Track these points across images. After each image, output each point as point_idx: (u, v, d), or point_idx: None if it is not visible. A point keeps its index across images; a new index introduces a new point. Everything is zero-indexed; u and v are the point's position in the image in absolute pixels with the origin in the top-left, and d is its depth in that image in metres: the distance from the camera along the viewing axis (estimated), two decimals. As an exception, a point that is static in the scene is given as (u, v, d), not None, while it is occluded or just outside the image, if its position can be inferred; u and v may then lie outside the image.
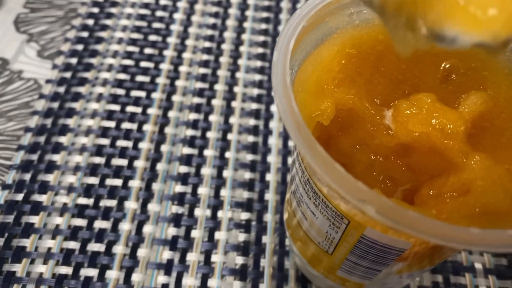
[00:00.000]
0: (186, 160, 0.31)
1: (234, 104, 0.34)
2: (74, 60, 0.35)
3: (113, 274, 0.27)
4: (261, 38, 0.38)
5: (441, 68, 0.20)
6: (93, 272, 0.27)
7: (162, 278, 0.27)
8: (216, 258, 0.28)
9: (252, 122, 0.34)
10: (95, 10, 0.39)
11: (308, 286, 0.27)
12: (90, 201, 0.29)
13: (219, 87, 0.35)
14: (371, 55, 0.20)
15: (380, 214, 0.14)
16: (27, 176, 0.30)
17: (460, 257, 0.29)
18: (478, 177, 0.17)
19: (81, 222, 0.28)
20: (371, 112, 0.19)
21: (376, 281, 0.22)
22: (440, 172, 0.19)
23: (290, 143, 0.33)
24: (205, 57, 0.37)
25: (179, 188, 0.30)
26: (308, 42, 0.20)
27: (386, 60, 0.20)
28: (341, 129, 0.20)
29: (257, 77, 0.36)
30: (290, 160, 0.32)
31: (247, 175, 0.31)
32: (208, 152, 0.32)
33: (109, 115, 0.33)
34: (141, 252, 0.28)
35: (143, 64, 0.36)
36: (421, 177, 0.20)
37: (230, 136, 0.33)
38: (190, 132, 0.33)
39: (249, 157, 0.32)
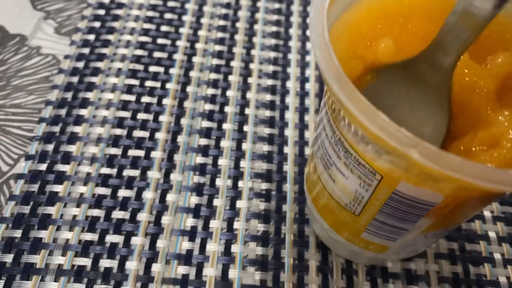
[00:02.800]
0: (205, 133, 0.32)
1: (250, 80, 0.35)
2: (91, 37, 0.36)
3: (138, 241, 0.27)
4: (275, 17, 0.39)
5: None
6: (118, 239, 0.27)
7: (186, 244, 0.27)
8: (238, 225, 0.28)
9: (268, 97, 0.34)
10: (110, -11, 0.39)
11: (328, 252, 0.28)
12: (113, 171, 0.30)
13: (235, 63, 0.36)
14: (398, 16, 0.21)
15: (424, 157, 0.15)
16: (50, 147, 0.30)
17: (474, 226, 0.30)
18: (506, 130, 0.18)
19: (105, 191, 0.29)
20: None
21: (401, 242, 0.23)
22: (470, 128, 0.19)
23: (307, 118, 0.33)
24: (220, 35, 0.37)
25: (200, 159, 0.31)
26: (337, 6, 0.20)
27: (413, 22, 0.21)
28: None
29: (272, 54, 0.36)
30: (311, 132, 0.32)
31: (265, 148, 0.32)
32: (227, 126, 0.32)
33: (129, 89, 0.33)
34: (165, 220, 0.28)
35: (160, 41, 0.36)
36: (452, 133, 0.20)
37: (247, 111, 0.33)
38: (208, 107, 0.33)
39: (266, 130, 0.32)
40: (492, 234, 0.30)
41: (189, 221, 0.28)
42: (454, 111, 0.19)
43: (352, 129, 0.19)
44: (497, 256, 0.29)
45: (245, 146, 0.32)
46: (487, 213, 0.30)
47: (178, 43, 0.36)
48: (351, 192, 0.21)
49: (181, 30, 0.37)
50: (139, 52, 0.35)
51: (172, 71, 0.35)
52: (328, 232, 0.26)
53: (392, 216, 0.20)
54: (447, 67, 0.18)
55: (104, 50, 0.35)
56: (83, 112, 0.32)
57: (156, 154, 0.31)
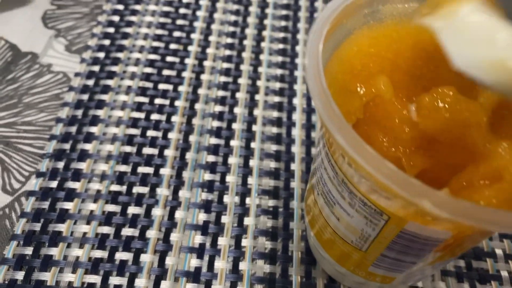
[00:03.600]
0: (213, 149, 0.32)
1: (257, 97, 0.35)
2: (101, 55, 0.36)
3: (147, 258, 0.28)
4: (281, 35, 0.39)
5: None
6: (128, 256, 0.28)
7: (194, 261, 0.28)
8: (246, 242, 0.29)
9: (275, 114, 0.35)
10: (120, 7, 0.40)
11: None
12: (123, 188, 0.30)
13: (243, 80, 0.36)
14: (388, 53, 0.21)
15: (437, 207, 0.15)
16: (60, 165, 0.31)
17: (481, 243, 0.30)
18: (509, 164, 0.18)
19: (114, 208, 0.29)
20: (397, 106, 0.20)
21: (408, 273, 0.23)
22: (467, 164, 0.19)
23: (313, 134, 0.34)
24: (228, 52, 0.38)
25: (208, 176, 0.31)
26: (330, 45, 0.21)
27: (402, 57, 0.21)
28: (369, 125, 0.21)
29: (279, 71, 0.37)
30: (311, 163, 0.33)
31: (272, 164, 0.32)
32: (234, 143, 0.33)
33: (138, 107, 0.34)
34: (174, 237, 0.29)
35: (169, 59, 0.37)
36: (445, 168, 0.21)
37: (254, 128, 0.34)
38: (216, 124, 0.34)
39: (273, 147, 0.33)
40: (499, 252, 0.30)
41: (198, 238, 0.29)
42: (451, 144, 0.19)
43: (357, 176, 0.19)
44: (504, 273, 0.29)
45: (252, 162, 0.32)
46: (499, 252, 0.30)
47: (186, 60, 0.37)
48: (357, 230, 0.21)
49: (190, 48, 0.38)
50: (149, 70, 0.36)
51: (180, 88, 0.35)
52: (333, 265, 0.26)
53: (400, 252, 0.21)
54: None
55: (114, 68, 0.36)
56: (93, 129, 0.32)
57: (165, 171, 0.31)
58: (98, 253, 0.28)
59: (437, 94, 0.19)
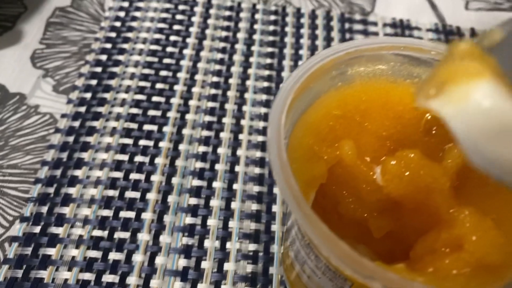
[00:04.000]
0: (195, 192, 0.33)
1: (241, 136, 0.36)
2: (88, 95, 0.37)
3: (127, 305, 0.28)
4: (266, 72, 0.40)
5: (422, 121, 0.21)
6: (107, 303, 0.28)
7: (173, 309, 0.28)
8: (225, 288, 0.29)
9: (258, 154, 0.35)
10: (108, 45, 0.40)
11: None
12: (105, 233, 0.31)
13: (227, 120, 0.37)
14: (355, 114, 0.22)
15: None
16: (44, 209, 0.31)
17: None
18: (468, 232, 0.18)
19: (96, 254, 0.30)
20: (362, 168, 0.20)
21: None
22: (430, 228, 0.20)
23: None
24: (213, 91, 0.38)
25: (189, 219, 0.32)
26: (296, 110, 0.21)
27: (370, 118, 0.21)
28: (337, 186, 0.21)
29: (263, 110, 0.37)
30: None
31: (254, 206, 0.32)
32: (217, 184, 0.33)
33: (123, 149, 0.34)
34: (154, 283, 0.29)
35: (155, 98, 0.37)
36: (411, 231, 0.21)
37: (237, 168, 0.34)
38: (199, 165, 0.34)
39: (256, 188, 0.33)
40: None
41: (177, 285, 0.29)
42: (415, 208, 0.20)
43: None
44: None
45: (234, 204, 0.32)
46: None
47: (172, 100, 0.37)
48: None
49: (176, 87, 0.38)
50: (134, 110, 0.36)
51: (165, 129, 0.36)
52: None
53: None
54: None
55: (100, 109, 0.36)
56: (77, 172, 0.33)
57: (147, 216, 0.31)
58: (79, 300, 0.28)
59: (401, 158, 0.20)
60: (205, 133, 0.36)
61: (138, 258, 0.30)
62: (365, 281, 0.15)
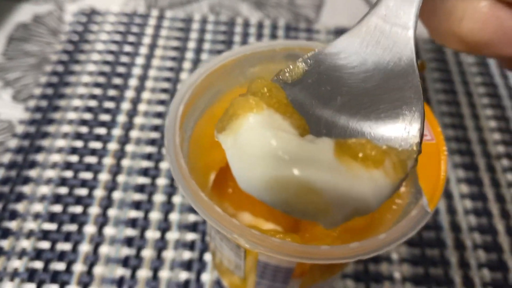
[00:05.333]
0: (140, 188, 0.36)
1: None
2: (44, 103, 0.40)
3: (71, 290, 0.31)
4: (213, 78, 0.43)
5: None
6: (54, 289, 0.31)
7: (114, 292, 0.31)
8: (163, 273, 0.32)
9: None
10: (65, 57, 0.43)
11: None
12: (54, 226, 0.33)
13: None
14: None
15: (250, 243, 0.18)
16: (-1, 206, 0.34)
17: (381, 268, 0.33)
18: None
19: (45, 244, 0.32)
20: None
21: None
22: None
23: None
24: (163, 96, 0.41)
25: (133, 213, 0.34)
26: (201, 104, 0.24)
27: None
28: None
29: (208, 113, 0.40)
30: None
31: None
32: (160, 181, 0.36)
33: (73, 151, 0.37)
34: (98, 270, 0.32)
35: (106, 104, 0.40)
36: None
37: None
38: (145, 164, 0.37)
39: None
40: (397, 275, 0.33)
41: (119, 271, 0.32)
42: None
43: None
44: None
45: (176, 199, 0.35)
46: (394, 256, 0.33)
47: (122, 105, 0.40)
48: (232, 261, 0.24)
49: (126, 93, 0.41)
50: (86, 115, 0.40)
51: (114, 132, 0.39)
52: None
53: (268, 279, 0.24)
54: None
55: (55, 115, 0.39)
56: (32, 173, 0.36)
57: (93, 210, 0.34)
58: None
59: None
60: (152, 134, 0.39)
61: (84, 248, 0.33)
62: (233, 238, 0.18)
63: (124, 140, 0.38)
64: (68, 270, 0.32)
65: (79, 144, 0.38)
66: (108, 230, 0.33)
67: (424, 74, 0.44)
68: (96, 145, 0.38)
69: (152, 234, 0.33)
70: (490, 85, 0.45)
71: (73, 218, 0.34)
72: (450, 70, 0.45)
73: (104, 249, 0.33)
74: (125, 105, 0.41)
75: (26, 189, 0.35)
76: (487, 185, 0.37)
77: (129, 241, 0.33)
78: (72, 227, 0.33)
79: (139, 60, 0.44)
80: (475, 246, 0.34)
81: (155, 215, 0.34)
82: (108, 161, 0.37)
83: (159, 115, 0.40)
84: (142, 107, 0.41)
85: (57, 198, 0.35)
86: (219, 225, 0.18)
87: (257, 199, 0.24)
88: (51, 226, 0.33)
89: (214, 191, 0.23)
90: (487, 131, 0.41)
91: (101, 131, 0.39)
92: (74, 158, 0.37)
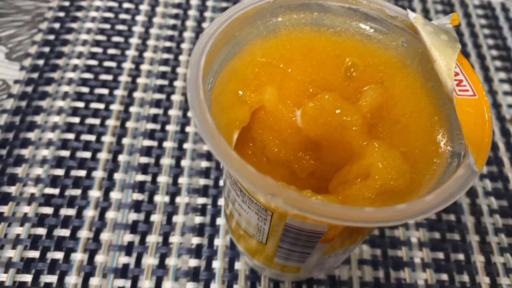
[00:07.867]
0: (146, 151, 0.34)
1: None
2: (41, 62, 0.38)
3: (77, 256, 0.29)
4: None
5: (343, 67, 0.23)
6: (59, 255, 0.29)
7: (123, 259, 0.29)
8: (173, 239, 0.30)
9: (209, 115, 0.36)
10: (61, 14, 0.41)
11: (257, 282, 0.30)
12: (56, 191, 0.32)
13: (178, 83, 0.38)
14: (280, 62, 0.23)
15: (287, 204, 0.17)
16: (-4, 169, 0.32)
17: (397, 233, 0.32)
18: (375, 161, 0.20)
19: (48, 210, 0.31)
20: (284, 112, 0.21)
21: (309, 263, 0.25)
22: (346, 162, 0.21)
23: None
24: (165, 55, 0.39)
25: (140, 177, 0.33)
26: (221, 56, 0.22)
27: (293, 65, 0.23)
28: (263, 129, 0.23)
29: (214, 73, 0.38)
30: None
31: (203, 164, 0.34)
32: (167, 144, 0.34)
33: (74, 112, 0.35)
34: (104, 236, 0.30)
35: (106, 63, 0.38)
36: (331, 168, 0.22)
37: (188, 129, 0.35)
38: (150, 126, 0.35)
39: (206, 147, 0.34)
40: (414, 240, 0.32)
41: (127, 237, 0.30)
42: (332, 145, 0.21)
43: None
44: (417, 260, 0.31)
45: (184, 163, 0.34)
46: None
47: (124, 65, 0.38)
48: (254, 225, 0.23)
49: (127, 52, 0.39)
50: (86, 75, 0.37)
51: (116, 92, 0.37)
52: (251, 259, 0.28)
53: (291, 243, 0.22)
54: None
55: (52, 75, 0.37)
56: (30, 135, 0.34)
57: (97, 174, 0.33)
58: (31, 254, 0.29)
59: (318, 100, 0.21)
60: (157, 96, 0.37)
61: (89, 213, 0.31)
62: (267, 198, 0.17)
63: (128, 101, 0.36)
64: (73, 237, 0.30)
65: (80, 104, 0.36)
66: (114, 195, 0.32)
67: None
68: (97, 105, 0.36)
69: (160, 198, 0.32)
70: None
71: (76, 182, 0.32)
72: (501, 26, 0.45)
73: (110, 214, 0.31)
74: (127, 65, 0.38)
75: (25, 151, 0.33)
76: None
77: (136, 206, 0.31)
78: (76, 192, 0.32)
79: (139, 17, 0.41)
80: (491, 211, 0.33)
81: (163, 179, 0.33)
82: (111, 122, 0.35)
83: (163, 75, 0.38)
84: (144, 66, 0.38)
85: (58, 162, 0.33)
86: (254, 185, 0.17)
87: (279, 163, 0.23)
88: (53, 191, 0.32)
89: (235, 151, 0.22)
90: None
91: (103, 91, 0.37)
92: (75, 119, 0.35)
